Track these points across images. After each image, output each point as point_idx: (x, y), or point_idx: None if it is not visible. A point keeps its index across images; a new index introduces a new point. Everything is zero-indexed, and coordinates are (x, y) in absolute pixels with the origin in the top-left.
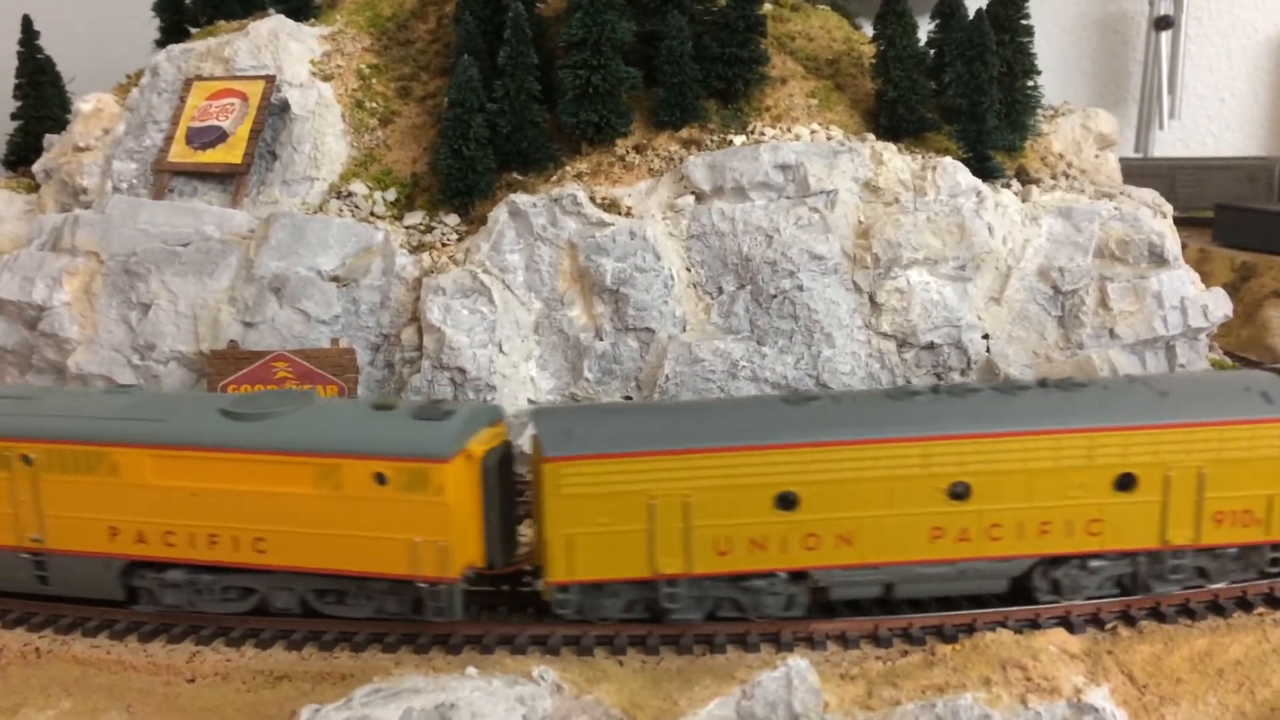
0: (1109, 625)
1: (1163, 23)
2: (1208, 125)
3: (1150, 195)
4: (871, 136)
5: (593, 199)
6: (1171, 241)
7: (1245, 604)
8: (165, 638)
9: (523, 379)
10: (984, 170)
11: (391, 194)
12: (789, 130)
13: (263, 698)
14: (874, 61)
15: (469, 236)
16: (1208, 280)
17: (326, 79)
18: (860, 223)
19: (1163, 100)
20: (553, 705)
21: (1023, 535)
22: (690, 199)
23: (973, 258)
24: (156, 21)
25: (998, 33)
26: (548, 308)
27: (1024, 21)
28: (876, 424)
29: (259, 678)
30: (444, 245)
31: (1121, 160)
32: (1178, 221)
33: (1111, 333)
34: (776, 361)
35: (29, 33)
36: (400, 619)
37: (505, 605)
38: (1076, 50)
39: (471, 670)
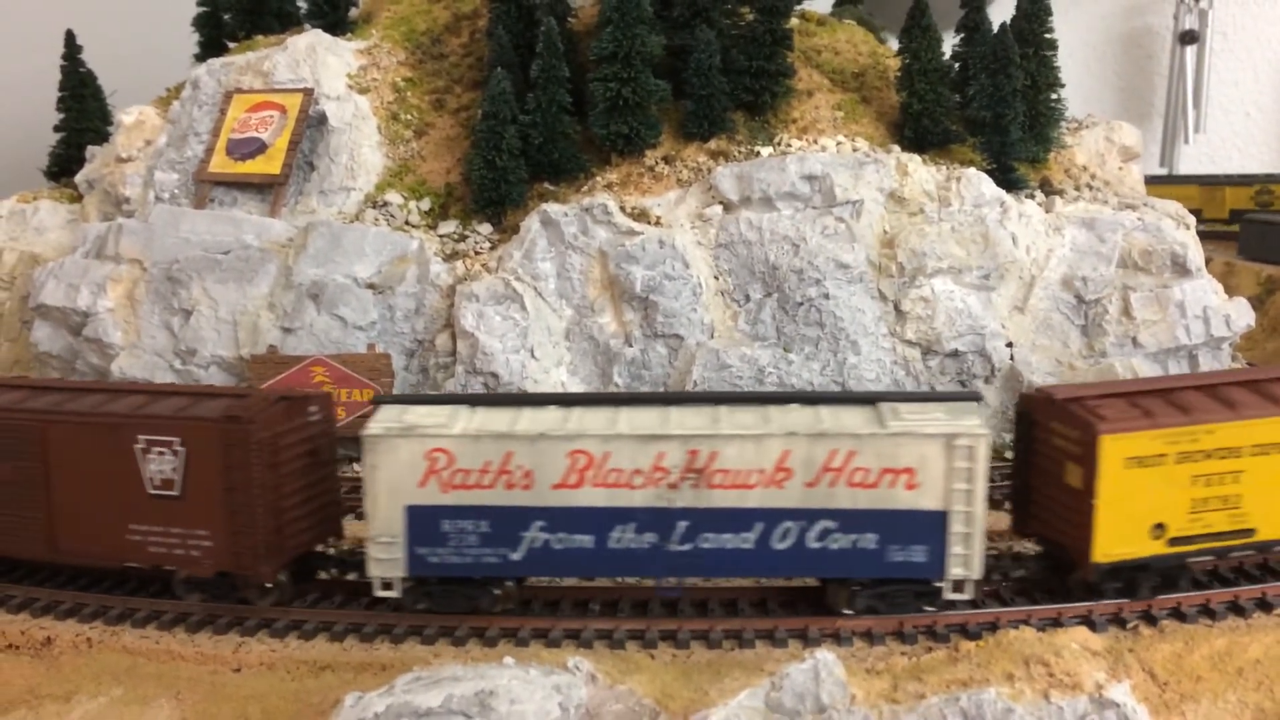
0: (1131, 624)
1: (1187, 37)
2: (1233, 140)
3: (1174, 207)
4: (897, 148)
5: (622, 208)
6: (1194, 252)
7: (1265, 605)
8: (211, 629)
9: (554, 384)
10: (1008, 181)
11: (426, 203)
12: (815, 142)
13: (307, 686)
14: (899, 75)
15: (501, 245)
16: (1233, 294)
17: (363, 92)
18: (885, 232)
19: (1187, 115)
20: (588, 694)
21: None
22: (718, 209)
23: (996, 267)
24: (195, 36)
25: (1021, 46)
26: (578, 314)
27: (1048, 35)
28: None
29: (303, 667)
30: (477, 253)
31: None
32: None
33: (1135, 341)
34: (803, 368)
35: (72, 47)
36: None
37: None
38: (1102, 65)
39: (509, 660)
